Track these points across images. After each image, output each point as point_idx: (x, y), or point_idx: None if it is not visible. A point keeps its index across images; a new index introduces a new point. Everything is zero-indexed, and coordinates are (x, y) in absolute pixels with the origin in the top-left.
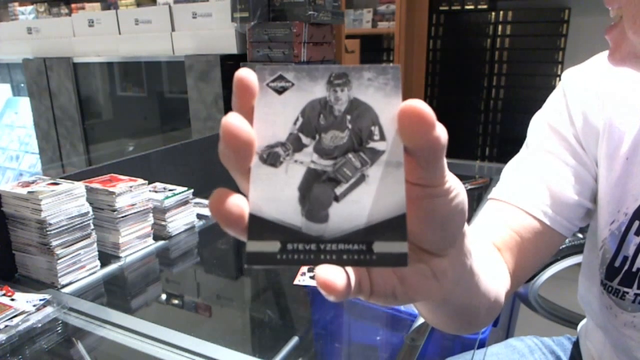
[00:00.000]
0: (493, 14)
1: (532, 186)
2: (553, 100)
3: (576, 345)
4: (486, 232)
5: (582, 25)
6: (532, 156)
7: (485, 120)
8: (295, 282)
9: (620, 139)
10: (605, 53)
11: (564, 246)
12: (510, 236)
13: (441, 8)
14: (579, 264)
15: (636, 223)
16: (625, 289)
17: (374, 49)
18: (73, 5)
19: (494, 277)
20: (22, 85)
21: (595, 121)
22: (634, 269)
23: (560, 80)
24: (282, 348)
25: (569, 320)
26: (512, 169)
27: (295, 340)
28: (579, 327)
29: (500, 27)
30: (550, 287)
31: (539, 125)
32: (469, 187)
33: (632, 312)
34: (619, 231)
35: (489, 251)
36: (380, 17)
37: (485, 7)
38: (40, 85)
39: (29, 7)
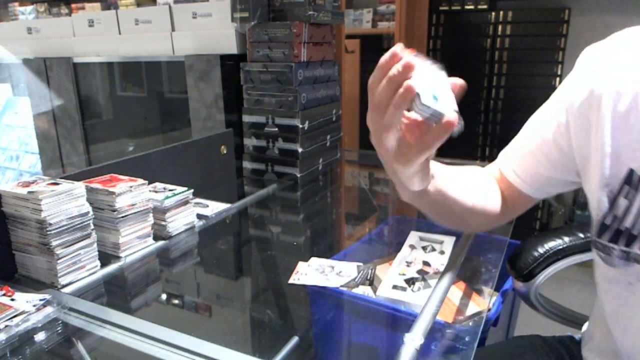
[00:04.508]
0: (493, 14)
1: (514, 156)
2: (568, 78)
3: (579, 344)
4: (487, 173)
5: (582, 25)
6: (530, 127)
7: (485, 120)
8: (290, 281)
9: (612, 110)
10: (625, 31)
11: (563, 246)
12: (500, 183)
13: (441, 8)
14: (578, 264)
15: (625, 187)
16: (612, 245)
17: (374, 49)
18: (73, 5)
19: (467, 192)
20: (22, 85)
21: (598, 92)
22: (622, 228)
23: (560, 77)
24: (282, 348)
25: (570, 319)
26: (516, 138)
27: (295, 340)
28: (583, 328)
29: (500, 27)
30: (551, 287)
31: (553, 98)
32: None
33: (617, 268)
34: (612, 193)
35: (471, 179)
36: (380, 17)
37: (485, 7)
38: (40, 85)
39: (29, 7)
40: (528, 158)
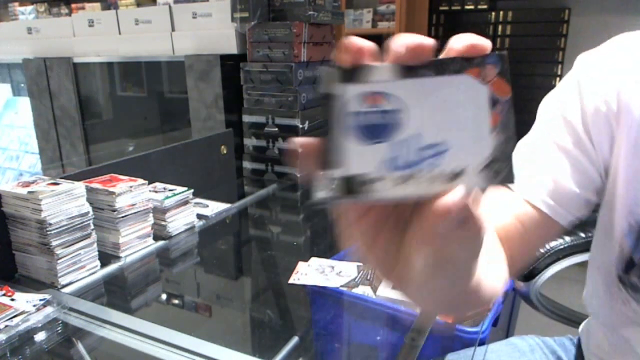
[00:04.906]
0: (493, 14)
1: (535, 176)
2: (565, 86)
3: (578, 346)
4: (490, 217)
5: (582, 25)
6: (540, 145)
7: None
8: (290, 281)
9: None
10: (622, 36)
11: (564, 246)
12: (512, 223)
13: (441, 8)
14: (579, 264)
15: None
16: None
17: None
18: (73, 5)
19: (491, 270)
20: (22, 85)
21: (612, 108)
22: None
23: (560, 77)
24: (282, 348)
25: (571, 319)
26: (520, 155)
27: (295, 340)
28: (580, 327)
29: (500, 27)
30: (551, 287)
31: (550, 110)
32: None
33: None
34: (637, 223)
35: (492, 243)
36: (380, 17)
37: (485, 7)
38: (40, 85)
39: (29, 7)
40: (552, 175)
